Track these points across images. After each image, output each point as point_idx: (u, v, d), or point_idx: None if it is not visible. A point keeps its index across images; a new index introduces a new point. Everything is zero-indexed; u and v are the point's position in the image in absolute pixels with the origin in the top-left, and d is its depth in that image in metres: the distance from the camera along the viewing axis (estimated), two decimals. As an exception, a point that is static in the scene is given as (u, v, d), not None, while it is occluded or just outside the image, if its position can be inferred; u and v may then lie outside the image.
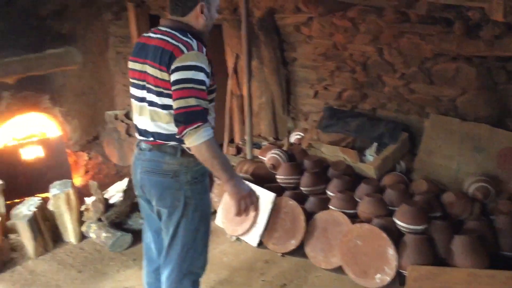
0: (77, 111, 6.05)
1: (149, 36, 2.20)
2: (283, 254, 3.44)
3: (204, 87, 2.03)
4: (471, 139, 3.57)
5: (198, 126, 1.97)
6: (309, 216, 3.45)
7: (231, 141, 5.27)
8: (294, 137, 4.51)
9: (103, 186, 3.79)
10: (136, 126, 2.31)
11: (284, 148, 4.31)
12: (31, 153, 5.54)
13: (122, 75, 6.15)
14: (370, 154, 3.86)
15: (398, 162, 3.86)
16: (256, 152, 4.48)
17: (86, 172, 6.03)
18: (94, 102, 6.22)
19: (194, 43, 2.07)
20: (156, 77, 2.09)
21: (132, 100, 2.28)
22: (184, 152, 2.16)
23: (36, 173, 5.30)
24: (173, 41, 2.08)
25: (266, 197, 3.56)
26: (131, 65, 2.24)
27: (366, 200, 3.28)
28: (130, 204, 3.73)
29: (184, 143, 2.09)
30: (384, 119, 4.06)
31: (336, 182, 3.58)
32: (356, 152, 3.87)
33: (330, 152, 3.96)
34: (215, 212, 3.95)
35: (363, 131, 3.97)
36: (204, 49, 2.10)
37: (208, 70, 2.06)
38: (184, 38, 2.08)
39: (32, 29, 5.37)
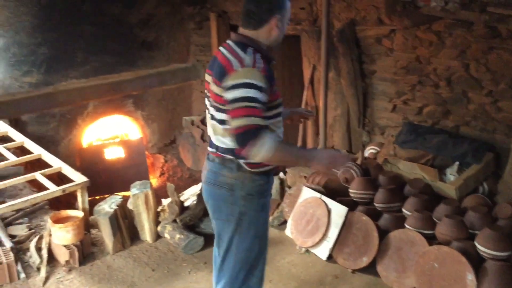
0: (157, 115, 6.33)
1: (219, 49, 2.19)
2: (354, 271, 3.37)
3: (256, 104, 1.95)
4: None
5: (255, 146, 1.92)
6: (382, 233, 3.35)
7: (304, 151, 5.25)
8: (368, 151, 4.41)
9: (177, 188, 3.91)
10: (208, 136, 2.35)
11: (358, 162, 4.23)
12: (113, 153, 5.87)
13: (200, 82, 6.36)
14: (451, 174, 3.70)
15: (481, 184, 3.67)
16: (329, 164, 4.42)
17: (162, 174, 6.28)
18: (172, 108, 6.48)
19: (248, 58, 2.01)
20: (214, 92, 2.11)
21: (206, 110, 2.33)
22: (241, 167, 2.15)
23: (117, 173, 5.61)
24: (229, 55, 2.06)
25: (337, 211, 3.51)
26: (206, 77, 2.25)
27: (445, 221, 3.13)
28: (203, 208, 3.82)
29: (241, 158, 2.11)
30: (467, 137, 3.89)
31: (413, 200, 3.45)
32: (436, 171, 3.71)
33: (408, 169, 3.84)
34: (285, 222, 3.95)
35: (444, 149, 3.81)
36: (261, 64, 2.01)
37: (262, 85, 1.98)
38: (240, 53, 2.04)
39: (120, 36, 5.70)
